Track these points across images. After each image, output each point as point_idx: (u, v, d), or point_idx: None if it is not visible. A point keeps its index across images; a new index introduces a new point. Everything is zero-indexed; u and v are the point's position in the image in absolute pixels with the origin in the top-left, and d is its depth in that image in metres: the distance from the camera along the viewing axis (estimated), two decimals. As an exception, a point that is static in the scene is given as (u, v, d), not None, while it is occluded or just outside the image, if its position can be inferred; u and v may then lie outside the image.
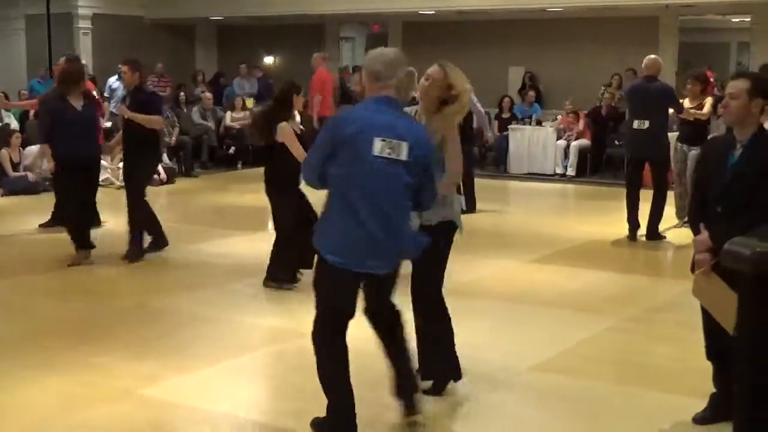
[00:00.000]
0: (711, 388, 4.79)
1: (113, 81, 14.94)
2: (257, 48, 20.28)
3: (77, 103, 8.41)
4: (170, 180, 14.06)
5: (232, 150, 16.23)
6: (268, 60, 20.59)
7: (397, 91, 4.37)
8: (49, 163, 8.60)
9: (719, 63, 19.96)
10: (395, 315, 4.66)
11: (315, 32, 19.47)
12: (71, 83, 8.43)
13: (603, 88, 15.90)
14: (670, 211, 10.20)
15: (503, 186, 14.51)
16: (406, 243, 4.42)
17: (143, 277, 8.24)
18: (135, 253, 8.54)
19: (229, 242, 9.71)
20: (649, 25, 16.25)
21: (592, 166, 15.13)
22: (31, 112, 14.26)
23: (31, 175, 12.85)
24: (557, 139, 15.30)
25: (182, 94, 16.71)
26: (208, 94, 16.91)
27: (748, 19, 16.66)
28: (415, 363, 4.85)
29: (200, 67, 19.87)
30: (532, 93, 16.68)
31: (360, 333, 4.59)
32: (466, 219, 5.33)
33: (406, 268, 4.73)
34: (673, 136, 10.43)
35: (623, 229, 9.82)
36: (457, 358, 5.27)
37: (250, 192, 11.33)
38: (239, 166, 16.04)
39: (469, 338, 5.70)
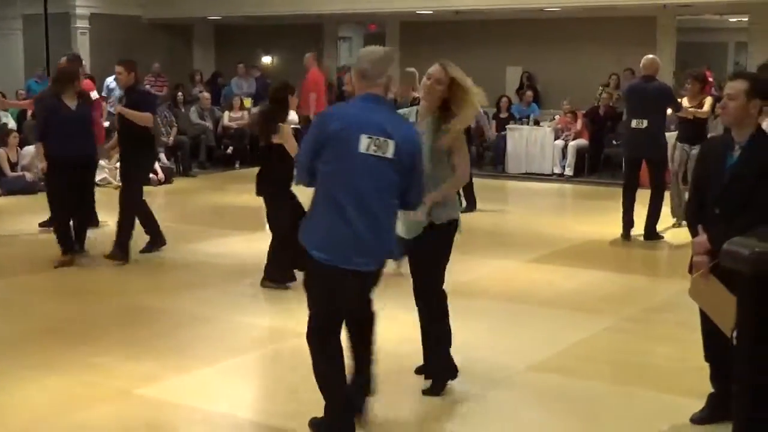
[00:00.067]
0: (709, 388, 4.80)
1: (110, 81, 14.92)
2: (255, 48, 20.28)
3: (71, 103, 8.43)
4: (168, 180, 14.06)
5: (230, 150, 16.21)
6: (266, 60, 20.59)
7: (386, 89, 4.37)
8: (41, 162, 8.60)
9: (717, 63, 19.95)
10: (370, 315, 4.66)
11: (313, 32, 19.47)
12: (66, 82, 8.46)
13: (601, 88, 15.90)
14: (665, 210, 10.20)
15: (501, 186, 14.51)
16: (393, 243, 4.40)
17: (141, 277, 8.24)
18: (117, 254, 8.47)
19: (227, 242, 9.71)
20: (647, 25, 16.26)
21: (590, 166, 15.14)
22: (29, 112, 14.25)
23: (28, 175, 12.84)
24: (555, 139, 15.30)
25: (180, 93, 16.70)
26: (206, 94, 16.90)
27: (746, 19, 16.67)
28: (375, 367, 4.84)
29: (198, 67, 19.87)
30: (529, 93, 16.68)
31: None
32: (464, 218, 5.38)
33: (389, 268, 4.67)
34: (670, 135, 10.44)
35: (621, 229, 9.83)
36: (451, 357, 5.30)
37: (248, 192, 11.23)
38: (237, 165, 16.04)
39: (467, 338, 5.71)
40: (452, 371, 5.28)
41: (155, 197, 12.10)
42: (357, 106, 4.36)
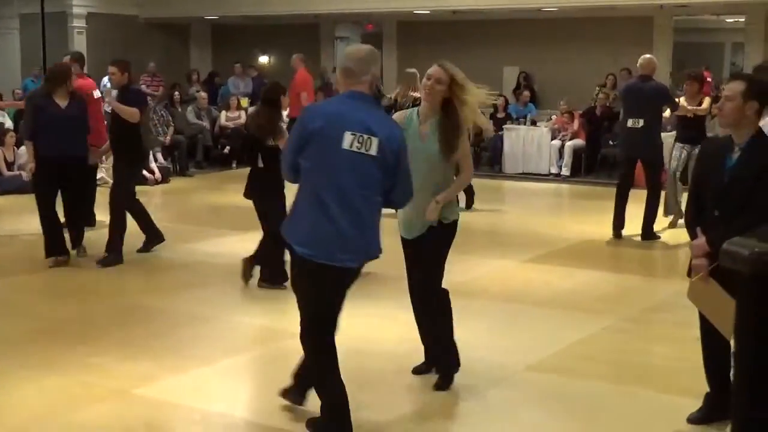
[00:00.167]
0: (706, 388, 4.80)
1: (107, 81, 14.88)
2: (252, 47, 20.28)
3: (62, 102, 8.41)
4: (165, 179, 14.06)
5: (227, 149, 16.19)
6: (263, 59, 20.59)
7: (371, 87, 4.39)
8: (30, 162, 8.56)
9: (714, 63, 20.01)
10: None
11: (310, 32, 19.48)
12: (57, 82, 8.44)
13: (597, 88, 15.92)
14: (662, 210, 10.20)
15: (498, 186, 14.51)
16: (376, 241, 4.38)
17: (139, 277, 8.23)
18: (111, 261, 8.41)
19: (224, 242, 9.70)
20: (644, 25, 16.29)
21: (587, 166, 15.16)
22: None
23: (25, 175, 12.78)
24: (552, 139, 15.31)
25: (177, 93, 16.69)
26: (203, 94, 16.89)
27: (743, 20, 16.72)
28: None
29: (195, 67, 19.86)
30: (526, 93, 16.70)
31: (352, 332, 4.58)
32: (461, 217, 5.41)
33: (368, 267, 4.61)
34: (666, 136, 10.45)
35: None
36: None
37: (245, 191, 11.31)
38: (234, 165, 16.01)
39: (466, 338, 5.71)
40: (457, 365, 5.35)
41: (152, 197, 12.10)
42: (341, 103, 4.37)
